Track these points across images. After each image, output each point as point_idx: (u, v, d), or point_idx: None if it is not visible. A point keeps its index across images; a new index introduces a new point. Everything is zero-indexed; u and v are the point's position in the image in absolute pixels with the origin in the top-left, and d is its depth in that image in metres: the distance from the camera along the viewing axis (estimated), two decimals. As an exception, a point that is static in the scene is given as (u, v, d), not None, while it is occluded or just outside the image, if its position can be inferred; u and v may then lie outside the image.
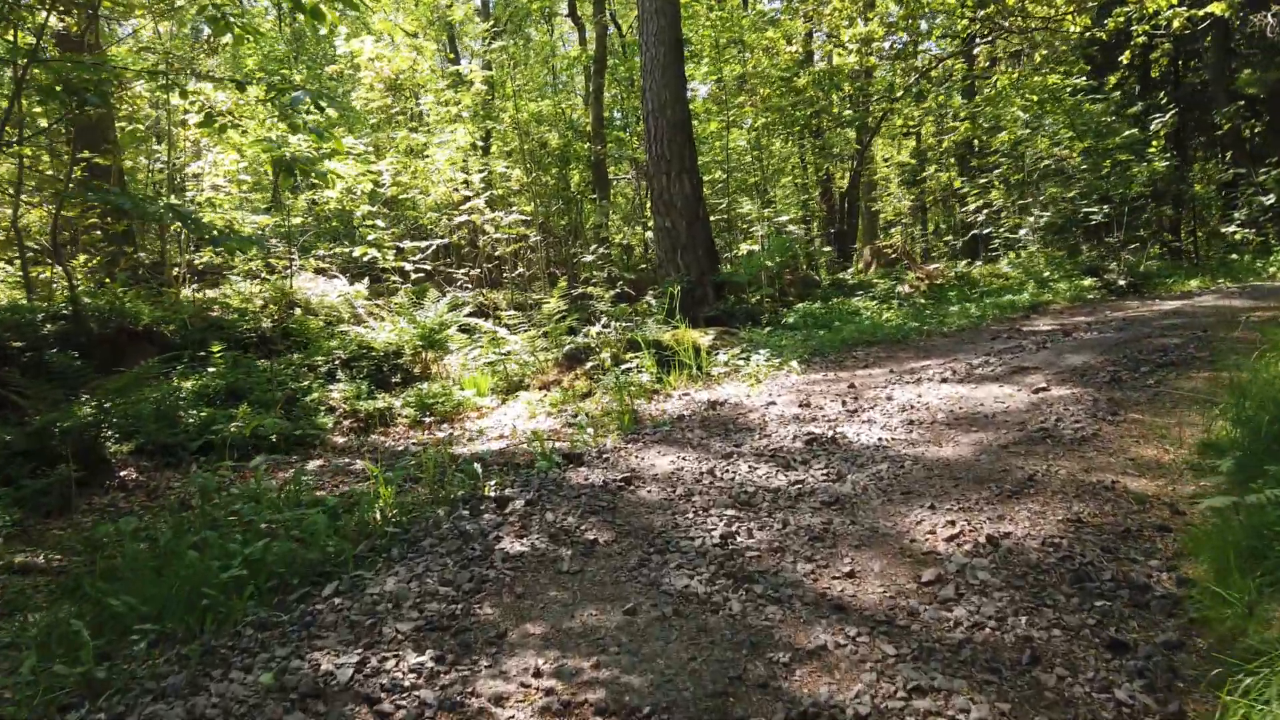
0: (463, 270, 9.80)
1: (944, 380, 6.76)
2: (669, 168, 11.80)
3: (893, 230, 19.91)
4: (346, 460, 6.50)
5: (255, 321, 10.07)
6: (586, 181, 15.51)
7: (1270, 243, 14.60)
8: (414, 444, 7.17)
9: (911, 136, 24.70)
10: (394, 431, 8.00)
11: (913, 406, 6.05)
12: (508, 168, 13.42)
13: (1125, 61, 14.83)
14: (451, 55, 17.46)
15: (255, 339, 9.69)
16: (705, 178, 14.61)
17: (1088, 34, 13.19)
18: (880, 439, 5.39)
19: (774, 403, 6.59)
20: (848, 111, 14.77)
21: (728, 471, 4.93)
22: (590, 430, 5.91)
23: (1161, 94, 16.28)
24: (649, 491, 4.65)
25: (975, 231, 16.45)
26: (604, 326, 9.15)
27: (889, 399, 6.37)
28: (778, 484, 4.65)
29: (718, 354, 8.51)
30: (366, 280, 11.42)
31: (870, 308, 11.53)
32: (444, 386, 8.64)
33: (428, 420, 8.10)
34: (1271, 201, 15.01)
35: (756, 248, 13.30)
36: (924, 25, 15.96)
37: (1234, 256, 14.96)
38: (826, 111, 14.04)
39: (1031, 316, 10.04)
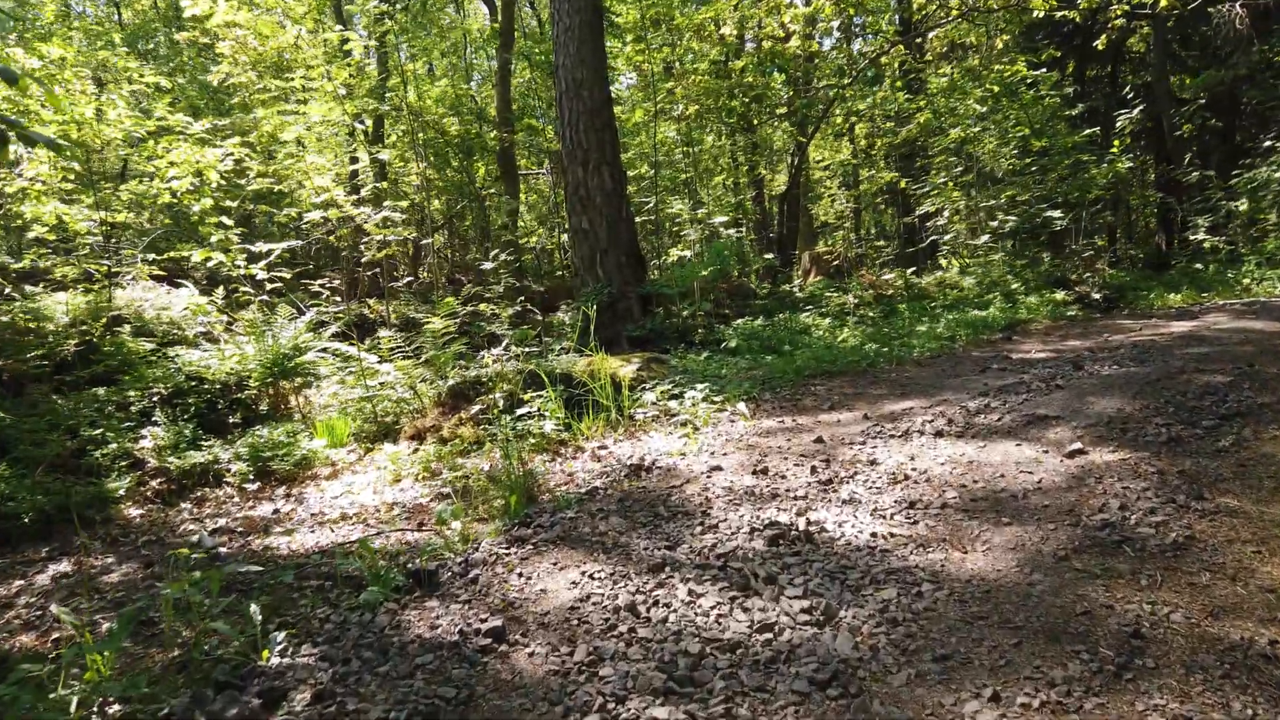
0: (321, 281, 7.91)
1: (939, 433, 5.24)
2: (586, 158, 10.13)
3: (835, 235, 18.67)
4: (113, 560, 4.62)
5: (58, 343, 8.02)
6: (495, 175, 13.70)
7: (1239, 251, 13.72)
8: (234, 520, 5.34)
9: (847, 137, 23.61)
10: (217, 497, 6.14)
11: (907, 477, 4.51)
12: (392, 157, 11.53)
13: (1101, 48, 13.78)
14: (336, 29, 15.42)
15: (48, 368, 7.67)
16: (630, 173, 13.00)
17: (1058, 14, 12.01)
18: (875, 534, 3.83)
19: (719, 467, 4.97)
20: (791, 96, 13.33)
21: (657, 605, 3.29)
22: (458, 523, 4.16)
23: (1128, 89, 15.36)
24: (531, 655, 2.96)
25: (934, 238, 15.22)
26: (501, 353, 7.41)
27: (872, 463, 4.81)
28: (735, 633, 3.04)
29: (644, 390, 6.87)
30: (222, 290, 9.42)
31: (822, 326, 10.06)
32: (290, 433, 6.78)
33: (261, 483, 6.25)
34: (1244, 207, 14.15)
35: (689, 253, 11.75)
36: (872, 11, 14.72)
37: (1198, 266, 14.04)
38: (764, 99, 12.59)
39: (1014, 339, 8.68)
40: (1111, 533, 3.56)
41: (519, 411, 6.03)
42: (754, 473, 4.82)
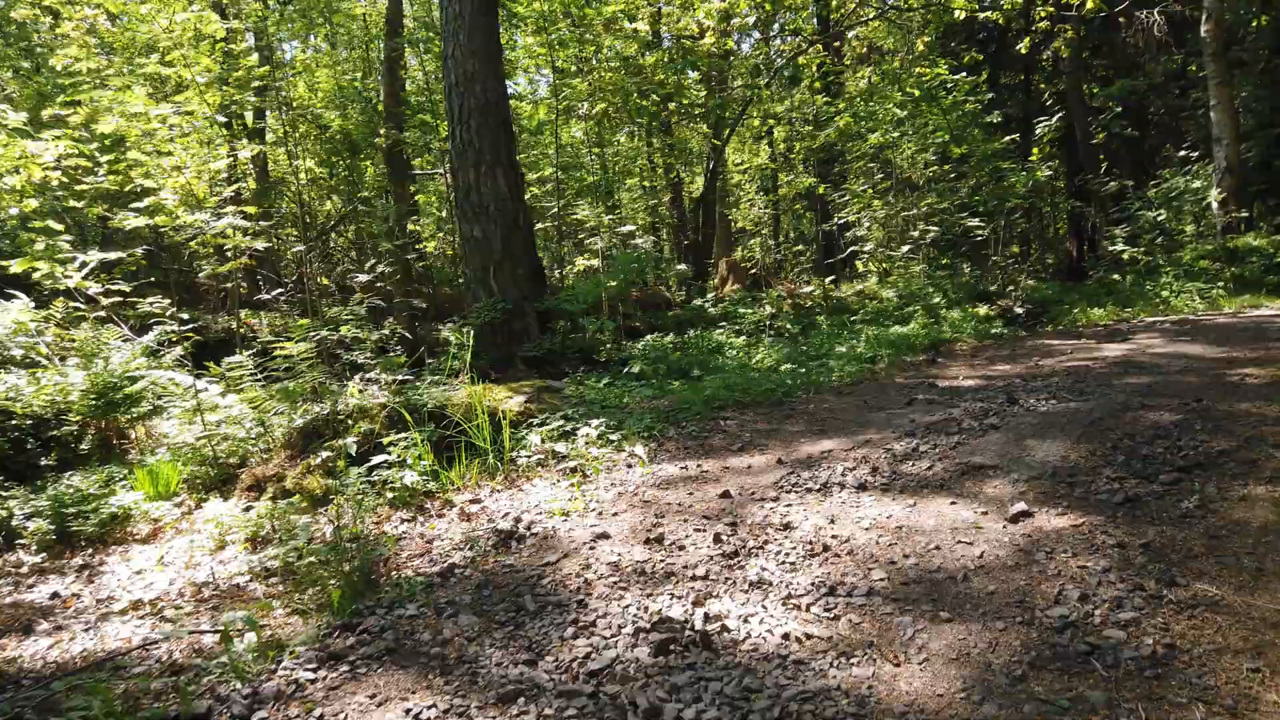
0: (152, 300, 6.82)
1: (862, 486, 4.57)
2: (479, 159, 9.25)
3: (751, 242, 18.12)
4: None
5: None
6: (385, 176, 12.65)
7: (1157, 263, 13.64)
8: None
9: (766, 140, 23.19)
10: (7, 564, 5.07)
11: (827, 548, 3.81)
12: (277, 155, 10.41)
13: (1024, 51, 13.52)
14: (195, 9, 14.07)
15: None
16: (532, 175, 12.13)
17: (982, 14, 11.65)
18: (787, 635, 3.12)
19: (605, 534, 4.19)
20: (703, 96, 12.66)
21: (497, 770, 2.48)
22: (253, 634, 3.25)
23: (1047, 96, 15.22)
24: None
25: (853, 248, 14.78)
26: (368, 382, 6.47)
27: (786, 527, 4.10)
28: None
29: (531, 427, 6.03)
30: (62, 302, 8.19)
31: (737, 345, 9.39)
32: (103, 481, 5.73)
33: (62, 547, 5.21)
34: (1162, 218, 14.10)
35: (597, 263, 10.95)
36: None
37: (1116, 277, 13.94)
38: (675, 99, 11.87)
39: (938, 360, 8.15)
40: (1074, 637, 2.90)
41: (375, 460, 5.12)
42: (647, 541, 4.04)
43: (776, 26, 19.28)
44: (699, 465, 5.28)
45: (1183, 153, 15.55)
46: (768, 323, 10.20)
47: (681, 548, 3.96)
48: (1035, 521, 3.85)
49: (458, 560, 4.06)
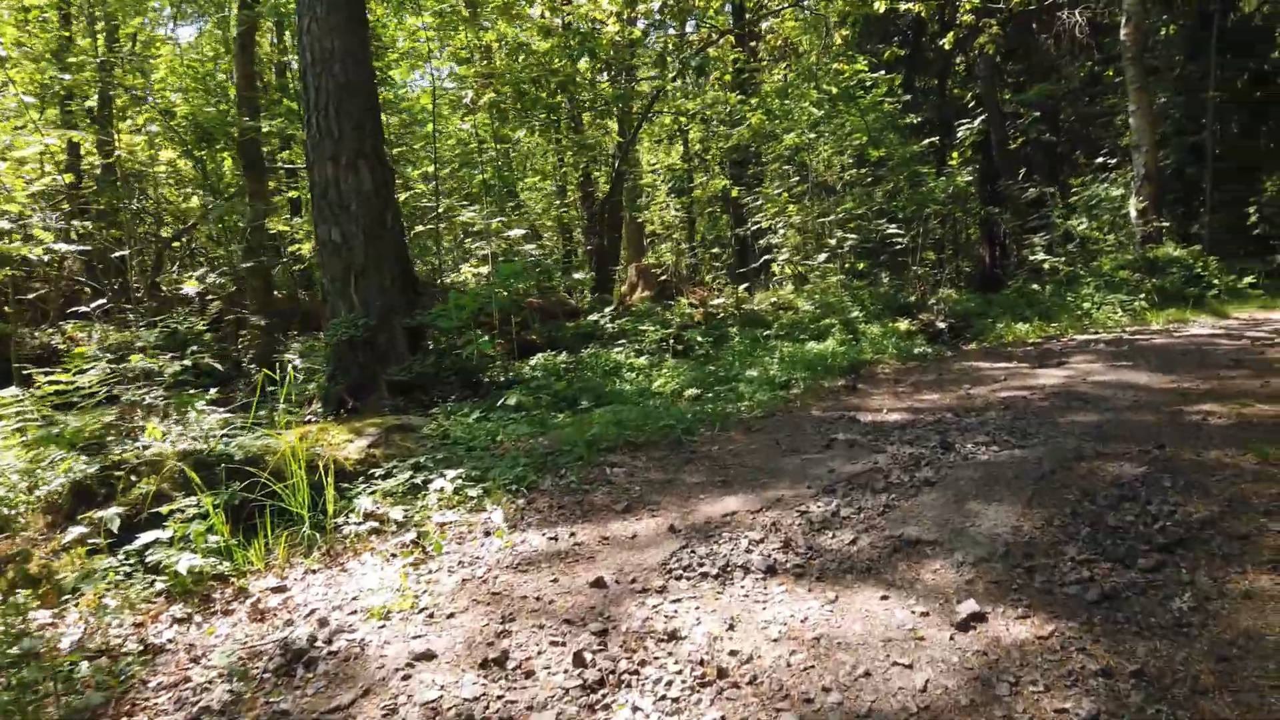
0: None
1: (771, 569, 3.65)
2: (338, 150, 8.07)
3: (662, 247, 17.21)
4: None
5: None
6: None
7: (1079, 273, 13.26)
8: None
9: (680, 140, 22.37)
10: None
11: (723, 673, 2.90)
12: (88, 139, 8.99)
13: (948, 48, 12.96)
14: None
15: None
16: (412, 172, 10.93)
17: (903, 6, 10.99)
18: None
19: (430, 654, 3.17)
20: (604, 88, 11.66)
21: None
22: None
23: (969, 98, 14.77)
24: None
25: (766, 258, 14.00)
26: (169, 423, 5.26)
27: (671, 637, 3.17)
28: None
29: (371, 481, 4.94)
30: None
31: (638, 366, 8.44)
32: None
33: None
34: (1083, 227, 13.75)
35: (485, 270, 9.86)
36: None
37: (1035, 287, 13.51)
38: (571, 88, 10.82)
39: (859, 386, 7.34)
40: None
41: (145, 537, 3.96)
42: (484, 664, 3.02)
43: (692, 24, 18.52)
44: (572, 535, 4.27)
45: (1101, 159, 15.31)
46: (670, 341, 9.25)
47: (530, 674, 2.95)
48: (991, 629, 2.98)
49: (215, 702, 2.96)
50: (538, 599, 3.56)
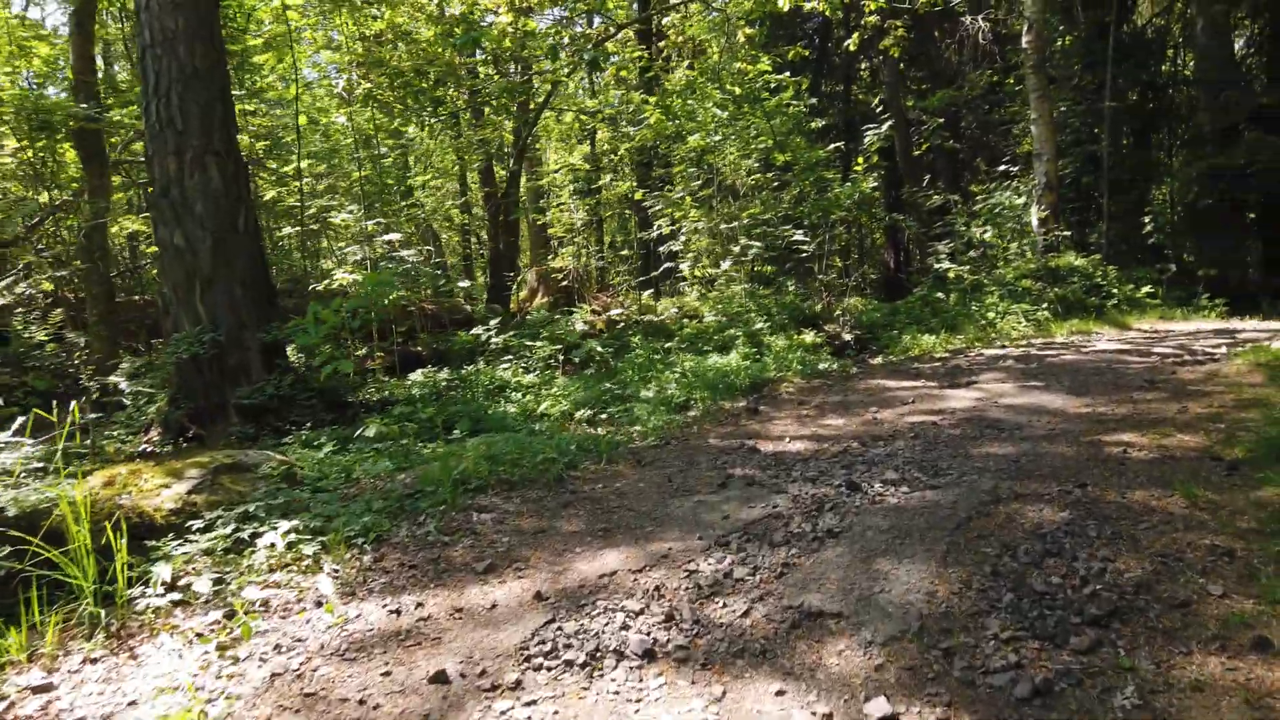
0: None
1: (649, 654, 3.08)
2: (182, 144, 7.17)
3: (564, 250, 16.54)
4: None
5: None
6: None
7: (983, 281, 13.17)
8: None
9: (588, 140, 21.75)
10: None
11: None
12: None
13: (853, 48, 12.67)
14: None
15: None
16: (284, 167, 9.98)
17: (809, 9, 10.60)
18: None
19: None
20: (498, 79, 10.91)
21: None
22: None
23: (877, 103, 14.58)
24: None
25: (668, 265, 13.48)
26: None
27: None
28: None
29: (184, 536, 4.16)
30: None
31: (525, 385, 7.77)
32: None
33: None
34: (988, 235, 13.68)
35: (359, 278, 9.02)
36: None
37: (940, 296, 13.37)
38: (451, 79, 10.03)
39: (761, 408, 6.83)
40: None
41: None
42: (270, 814, 2.33)
43: (599, 20, 17.93)
44: (419, 605, 3.60)
45: (1003, 167, 15.35)
46: (560, 359, 8.57)
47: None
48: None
49: None
50: (361, 702, 2.88)
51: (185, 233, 7.09)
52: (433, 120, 11.81)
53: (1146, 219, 17.00)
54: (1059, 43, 18.92)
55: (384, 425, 5.82)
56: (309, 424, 6.67)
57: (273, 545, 4.12)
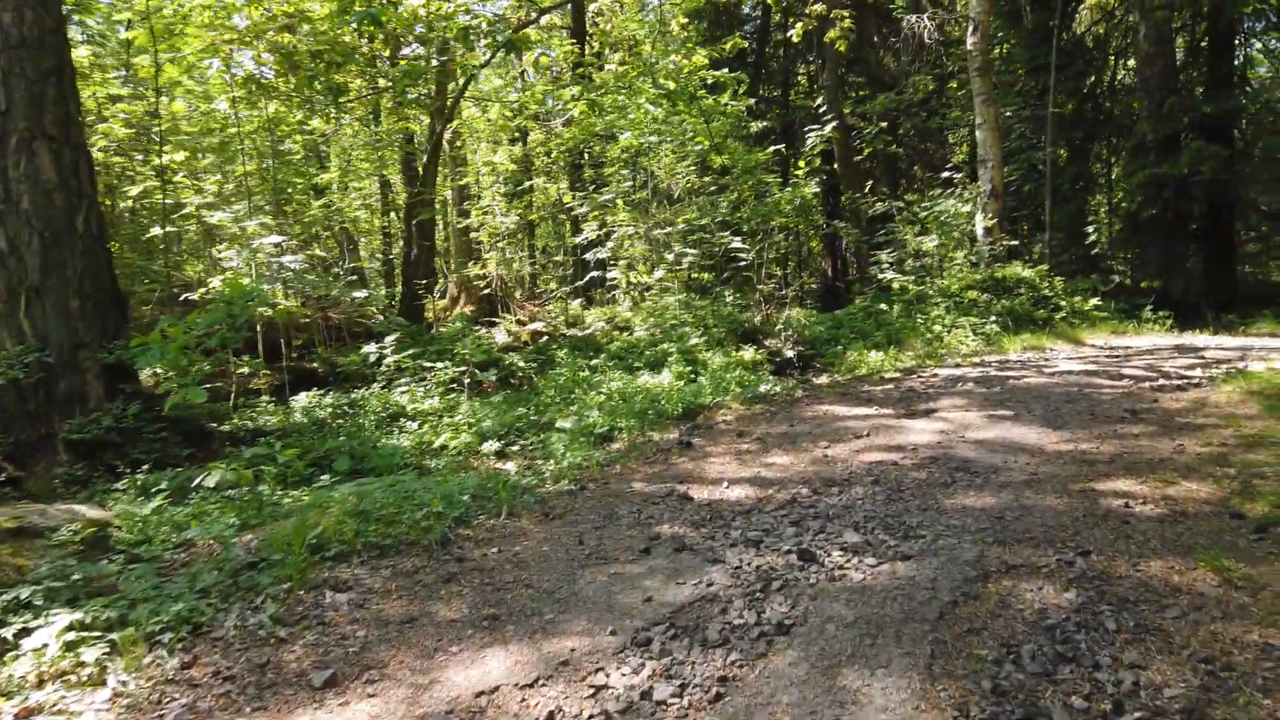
0: None
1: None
2: (4, 127, 6.01)
3: (488, 257, 15.48)
4: None
5: None
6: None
7: (928, 292, 12.56)
8: None
9: (520, 139, 20.71)
10: None
11: None
12: None
13: (796, 39, 11.91)
14: None
15: None
16: (150, 160, 8.76)
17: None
18: None
19: None
20: (399, 62, 9.84)
21: None
22: None
23: (819, 103, 13.92)
24: None
25: (595, 273, 12.55)
26: None
27: None
28: None
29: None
30: None
31: (423, 411, 6.77)
32: None
33: None
34: (933, 245, 13.08)
35: (247, 283, 7.89)
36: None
37: (883, 307, 12.71)
38: (346, 61, 8.90)
39: (695, 442, 5.95)
40: None
41: None
42: None
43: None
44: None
45: (946, 174, 14.83)
46: (469, 379, 7.55)
47: None
48: None
49: None
50: None
51: (7, 233, 5.93)
52: (331, 111, 10.70)
53: (1090, 229, 16.69)
54: (999, 49, 18.61)
55: (232, 470, 4.78)
56: (157, 462, 5.57)
57: (43, 648, 3.10)
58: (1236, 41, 16.89)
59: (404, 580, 3.76)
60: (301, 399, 7.10)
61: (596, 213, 11.69)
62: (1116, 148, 18.55)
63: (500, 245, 14.64)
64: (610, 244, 11.67)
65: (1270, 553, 3.37)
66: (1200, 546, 3.46)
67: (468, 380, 7.37)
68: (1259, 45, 19.03)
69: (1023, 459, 4.79)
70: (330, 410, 6.78)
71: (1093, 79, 18.37)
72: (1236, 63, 17.16)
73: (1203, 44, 17.29)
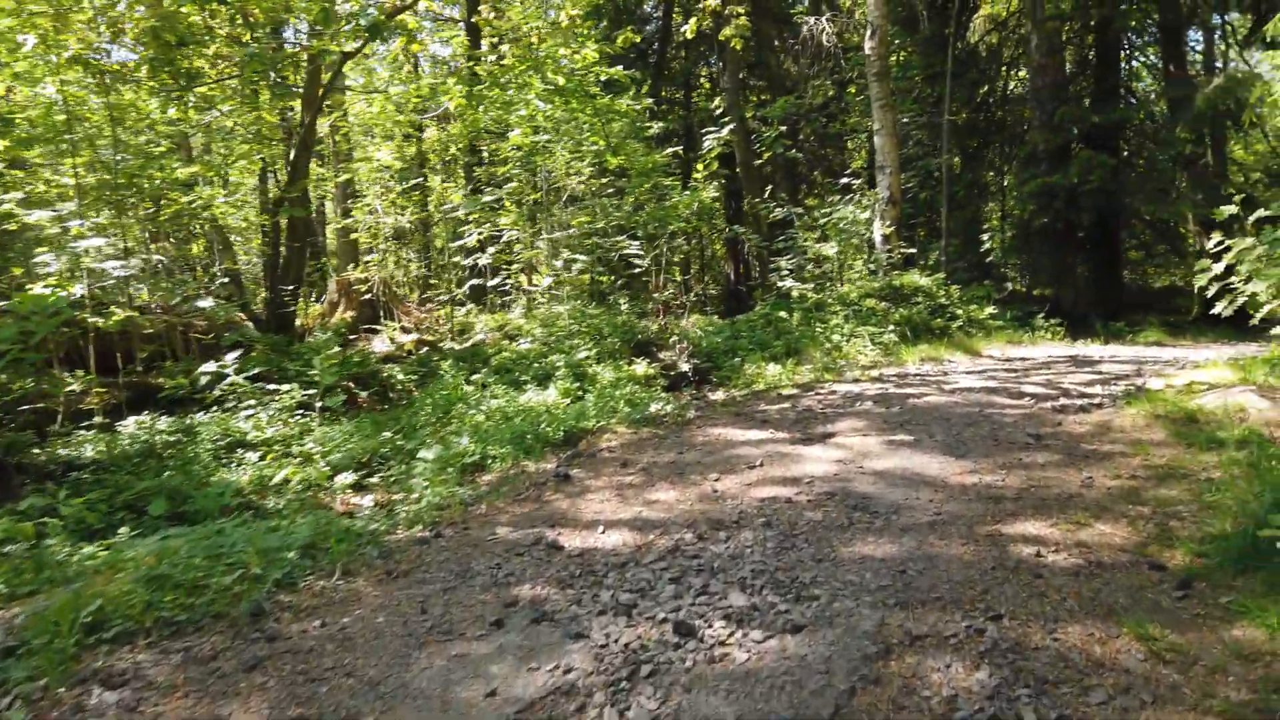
0: None
1: None
2: None
3: (370, 259, 14.54)
4: None
5: None
6: None
7: (827, 300, 12.31)
8: None
9: (413, 137, 19.75)
10: None
11: None
12: None
13: (690, 34, 11.45)
14: None
15: None
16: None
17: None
18: None
19: None
20: (255, 44, 8.91)
21: None
22: None
23: (717, 105, 13.54)
24: None
25: (473, 282, 11.81)
26: None
27: None
28: None
29: None
30: None
31: (264, 438, 6.00)
32: None
33: None
34: (835, 250, 12.84)
35: (80, 290, 6.94)
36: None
37: (782, 315, 12.41)
38: (191, 42, 7.96)
39: (574, 474, 5.37)
40: None
41: None
42: None
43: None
44: None
45: (844, 180, 14.67)
46: (319, 403, 6.73)
47: None
48: None
49: None
50: None
51: None
52: (189, 99, 9.71)
53: (984, 237, 16.86)
54: (897, 56, 18.69)
55: (4, 522, 3.97)
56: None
57: None
58: (1122, 54, 17.36)
59: (197, 669, 3.07)
60: (130, 424, 6.22)
61: (476, 215, 10.98)
62: (1009, 156, 18.84)
63: (382, 247, 13.73)
64: (492, 250, 10.96)
65: (1196, 615, 3.01)
66: (1121, 607, 3.08)
67: (319, 403, 6.59)
68: (1141, 59, 19.68)
69: (925, 494, 4.39)
70: (162, 438, 5.94)
71: (985, 88, 18.63)
72: (1121, 75, 17.64)
73: (1090, 56, 17.71)
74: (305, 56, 9.50)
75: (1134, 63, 19.12)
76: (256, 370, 6.87)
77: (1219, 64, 19.58)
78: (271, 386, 6.59)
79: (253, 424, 6.20)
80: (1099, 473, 4.53)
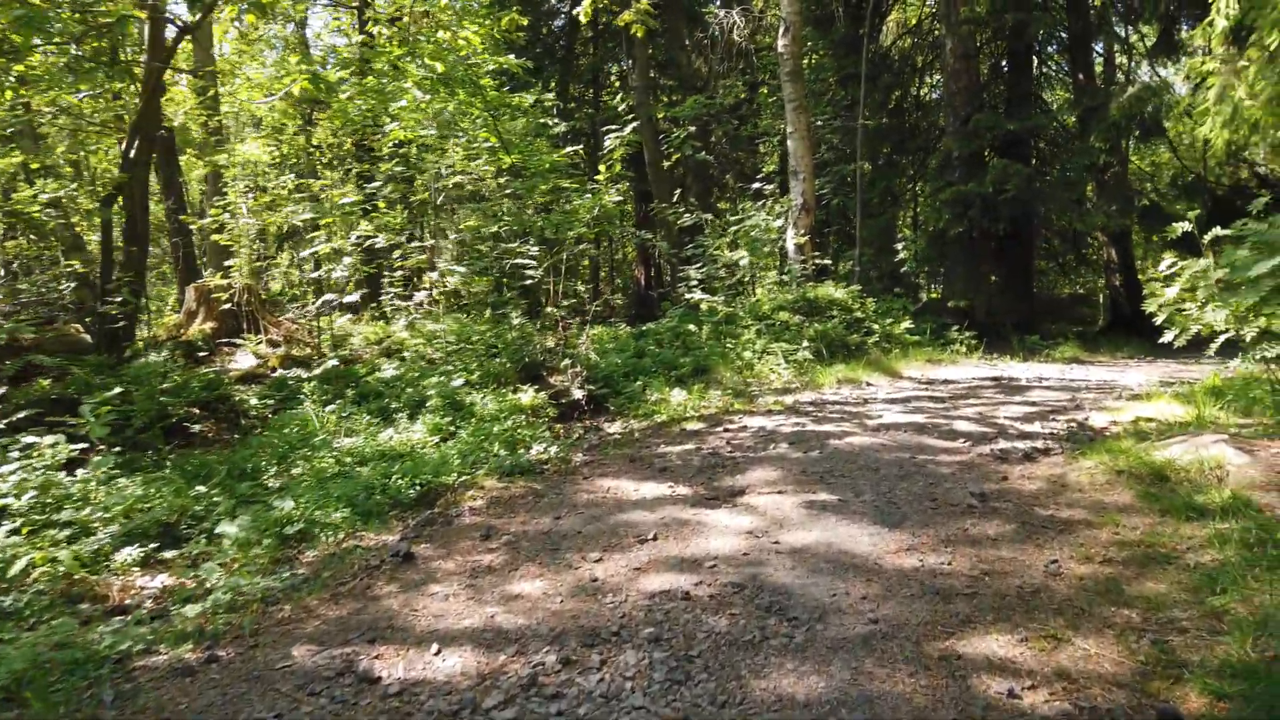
0: None
1: None
2: None
3: (233, 263, 13.04)
4: None
5: None
6: None
7: (738, 314, 11.46)
8: None
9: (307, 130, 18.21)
10: None
11: None
12: None
13: (584, 18, 10.41)
14: None
15: None
16: None
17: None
18: None
19: None
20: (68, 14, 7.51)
21: None
22: None
23: (621, 103, 12.60)
24: None
25: (327, 296, 10.51)
26: None
27: None
28: None
29: None
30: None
31: (13, 513, 4.73)
32: None
33: None
34: (746, 260, 12.00)
35: None
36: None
37: (691, 329, 11.50)
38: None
39: (418, 552, 4.27)
40: None
41: None
42: None
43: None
44: None
45: (756, 185, 13.90)
46: (98, 453, 5.40)
47: None
48: None
49: None
50: None
51: None
52: (7, 79, 8.23)
53: (899, 246, 16.35)
54: (810, 58, 18.09)
55: None
56: None
57: None
58: (1033, 60, 17.11)
59: None
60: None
61: (329, 220, 9.73)
62: (922, 163, 18.45)
63: (245, 251, 12.30)
64: (348, 260, 9.69)
65: (1243, 809, 2.15)
66: (1140, 797, 2.20)
67: (96, 454, 5.31)
68: (1048, 68, 19.56)
69: (857, 587, 3.46)
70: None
71: (899, 93, 18.19)
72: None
73: (1003, 64, 17.43)
74: (128, 29, 8.09)
75: (1044, 70, 18.97)
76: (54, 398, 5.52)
77: (1119, 75, 19.63)
78: (46, 435, 5.22)
79: (41, 456, 4.89)
80: (1064, 553, 3.69)
